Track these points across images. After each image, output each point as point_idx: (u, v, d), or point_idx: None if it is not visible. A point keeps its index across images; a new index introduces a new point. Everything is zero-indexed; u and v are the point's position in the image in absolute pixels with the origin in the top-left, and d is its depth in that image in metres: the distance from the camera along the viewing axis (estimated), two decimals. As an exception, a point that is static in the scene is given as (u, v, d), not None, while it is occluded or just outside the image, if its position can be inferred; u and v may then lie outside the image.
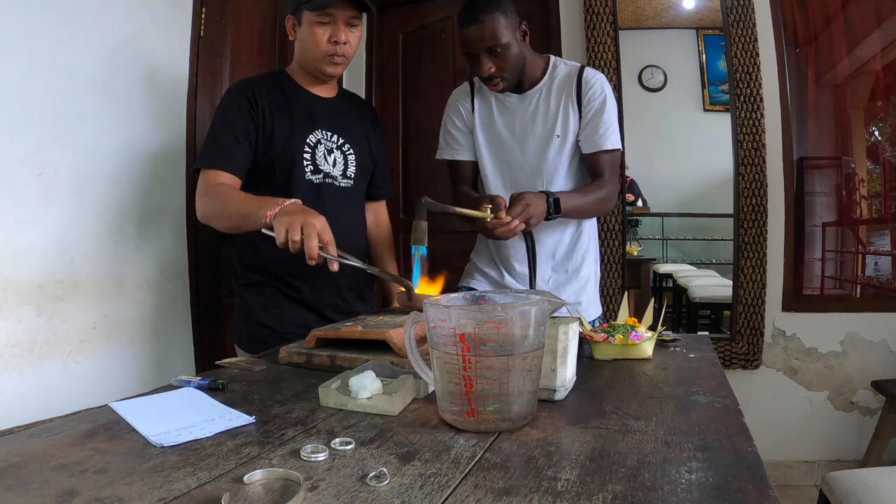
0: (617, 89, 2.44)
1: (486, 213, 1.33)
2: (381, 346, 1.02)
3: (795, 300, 2.40)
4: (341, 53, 1.42)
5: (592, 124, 1.52)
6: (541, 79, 1.56)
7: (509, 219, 1.34)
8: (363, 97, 1.55)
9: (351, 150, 1.51)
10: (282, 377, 1.00)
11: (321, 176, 1.45)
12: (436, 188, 2.74)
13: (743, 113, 2.36)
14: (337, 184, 1.48)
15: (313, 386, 0.89)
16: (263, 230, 1.19)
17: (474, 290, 1.62)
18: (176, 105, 1.80)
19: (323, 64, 1.43)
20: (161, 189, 1.75)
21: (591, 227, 1.66)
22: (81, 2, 1.48)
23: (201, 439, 0.70)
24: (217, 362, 1.12)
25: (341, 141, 1.49)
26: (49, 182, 1.41)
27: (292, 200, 1.22)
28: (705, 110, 2.93)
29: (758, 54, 2.34)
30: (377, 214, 1.70)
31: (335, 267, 1.16)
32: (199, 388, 0.92)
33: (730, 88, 2.40)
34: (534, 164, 1.57)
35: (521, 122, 1.57)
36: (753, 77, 2.34)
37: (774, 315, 2.39)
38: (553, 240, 1.60)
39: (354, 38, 1.45)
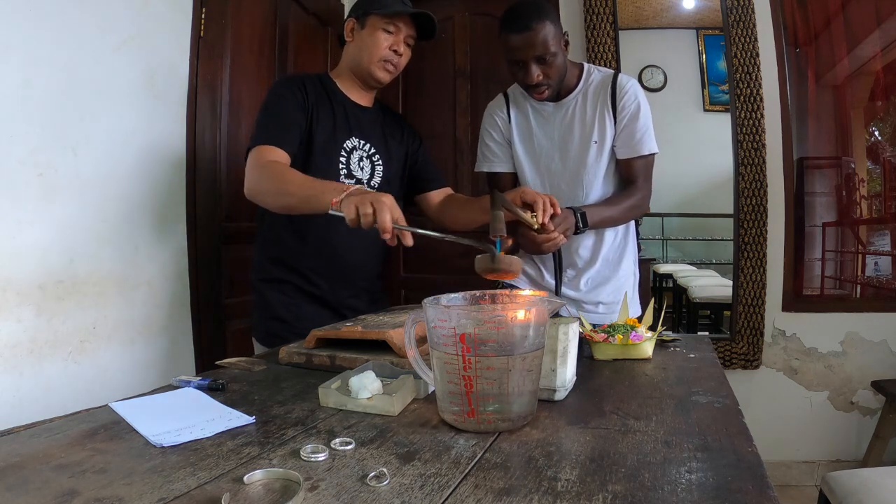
0: (617, 89, 2.43)
1: (531, 220, 1.33)
2: (381, 346, 1.03)
3: (795, 300, 2.40)
4: (395, 63, 1.47)
5: (628, 130, 1.54)
6: (576, 86, 1.57)
7: (557, 233, 1.36)
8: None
9: (380, 161, 1.53)
10: (282, 377, 1.01)
11: (354, 181, 1.47)
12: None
13: (743, 113, 2.36)
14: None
15: (313, 386, 0.89)
16: (331, 212, 1.14)
17: (516, 287, 1.63)
18: (176, 105, 1.80)
19: (377, 68, 1.46)
20: (161, 189, 1.75)
21: (628, 227, 1.67)
22: (81, 2, 1.48)
23: (201, 439, 0.70)
24: (217, 362, 1.12)
25: (372, 150, 1.52)
26: (49, 182, 1.41)
27: (356, 186, 1.22)
28: (705, 110, 2.93)
29: (758, 54, 2.34)
30: (449, 193, 1.66)
31: (409, 241, 1.12)
32: (199, 388, 0.92)
33: (730, 88, 2.40)
34: (573, 172, 1.59)
35: (559, 130, 1.59)
36: (753, 77, 2.34)
37: (774, 315, 2.39)
38: (591, 239, 1.61)
39: (406, 56, 1.50)
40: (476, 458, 0.64)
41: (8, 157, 1.32)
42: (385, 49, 1.45)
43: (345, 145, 1.47)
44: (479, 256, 1.14)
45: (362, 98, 1.55)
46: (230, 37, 2.00)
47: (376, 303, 1.59)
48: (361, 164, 1.50)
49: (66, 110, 1.45)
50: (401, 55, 1.48)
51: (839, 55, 2.48)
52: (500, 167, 1.67)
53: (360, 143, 1.50)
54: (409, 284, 2.72)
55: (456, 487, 0.56)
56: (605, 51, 2.46)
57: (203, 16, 1.87)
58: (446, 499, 0.54)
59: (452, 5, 2.71)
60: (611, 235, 1.62)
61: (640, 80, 3.03)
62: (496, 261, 1.11)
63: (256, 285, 1.52)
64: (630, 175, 1.56)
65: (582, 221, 1.44)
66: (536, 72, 1.45)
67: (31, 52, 1.37)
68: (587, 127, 1.56)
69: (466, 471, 0.60)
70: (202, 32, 1.87)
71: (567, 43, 1.52)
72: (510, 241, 1.18)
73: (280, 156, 1.35)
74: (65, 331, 1.45)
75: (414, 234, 1.12)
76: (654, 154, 1.56)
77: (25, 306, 1.36)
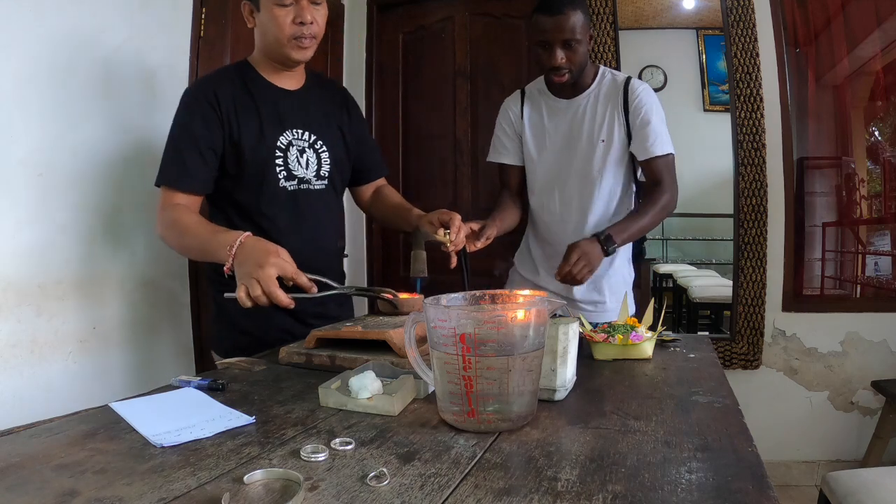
0: (617, 89, 2.44)
1: (444, 238, 1.38)
2: (381, 346, 1.02)
3: (795, 300, 2.40)
4: (309, 34, 1.31)
5: (643, 133, 1.58)
6: (590, 85, 1.63)
7: (567, 269, 1.41)
8: (338, 82, 1.50)
9: (324, 148, 1.41)
10: (282, 377, 1.01)
11: (295, 182, 1.37)
12: (436, 188, 2.75)
13: (743, 113, 2.36)
14: (312, 187, 1.40)
15: (313, 386, 0.89)
16: (226, 295, 1.10)
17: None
18: (176, 105, 1.79)
19: (290, 49, 1.31)
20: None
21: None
22: (82, 2, 1.48)
23: (201, 439, 0.70)
24: (217, 362, 1.12)
25: (313, 138, 1.40)
26: (49, 182, 1.41)
27: (241, 239, 1.12)
28: (705, 110, 2.93)
29: (758, 54, 2.34)
30: (378, 188, 1.61)
31: (315, 291, 1.12)
32: (199, 388, 0.92)
33: (730, 88, 2.40)
34: (580, 168, 1.63)
35: (569, 125, 1.64)
36: (753, 77, 2.34)
37: (774, 315, 2.39)
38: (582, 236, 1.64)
39: (321, 17, 1.32)
40: (476, 458, 0.64)
41: (8, 157, 1.32)
42: (290, 26, 1.28)
43: (279, 143, 1.34)
44: (380, 301, 1.26)
45: (289, 80, 1.39)
46: (230, 37, 2.00)
47: (342, 305, 1.54)
48: (302, 159, 1.37)
49: (66, 110, 1.45)
50: (311, 22, 1.29)
51: (839, 55, 2.48)
52: (508, 159, 1.74)
53: (296, 135, 1.37)
54: (409, 284, 2.71)
55: (456, 487, 0.56)
56: (605, 51, 2.46)
57: (203, 16, 1.87)
58: (446, 499, 0.54)
59: (452, 5, 2.71)
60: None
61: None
62: (399, 305, 1.23)
63: (216, 297, 1.39)
64: (654, 176, 1.60)
65: (607, 244, 1.45)
66: (560, 54, 1.51)
67: (31, 52, 1.37)
68: (596, 125, 1.61)
69: (466, 471, 0.60)
70: (202, 32, 1.87)
71: (591, 38, 1.57)
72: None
73: (182, 199, 1.27)
74: (65, 331, 1.45)
75: (321, 287, 1.12)
76: (671, 155, 1.60)
77: (25, 306, 1.36)
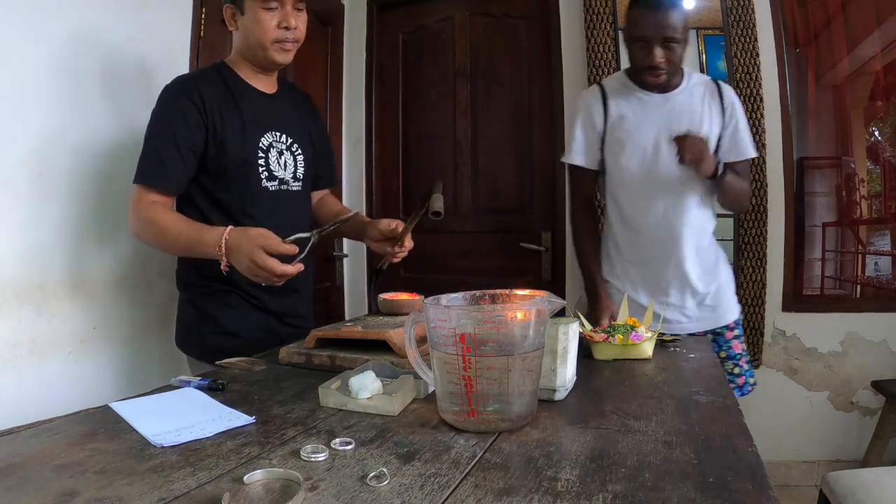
0: (617, 89, 2.44)
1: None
2: (381, 346, 1.03)
3: (795, 300, 2.39)
4: (292, 39, 1.34)
5: (737, 134, 1.58)
6: (680, 82, 1.60)
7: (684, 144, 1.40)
8: (306, 93, 1.48)
9: (299, 150, 1.45)
10: (282, 377, 1.01)
11: (276, 183, 1.39)
12: (436, 188, 2.75)
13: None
14: (290, 188, 1.42)
15: (313, 386, 0.89)
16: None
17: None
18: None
19: (273, 52, 1.33)
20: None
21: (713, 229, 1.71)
22: (82, 2, 1.48)
23: (201, 439, 0.70)
24: (217, 362, 1.12)
25: (290, 141, 1.43)
26: (49, 182, 1.41)
27: (225, 237, 1.16)
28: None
29: (758, 54, 2.33)
30: (323, 197, 1.63)
31: (296, 250, 1.17)
32: (200, 388, 0.92)
33: (730, 88, 2.40)
34: (679, 167, 1.55)
35: (666, 120, 1.57)
36: (753, 77, 2.34)
37: (774, 315, 2.39)
38: (695, 234, 1.62)
39: (302, 23, 1.36)
40: (476, 458, 0.64)
41: (8, 157, 1.32)
42: (274, 30, 1.31)
43: (261, 144, 1.36)
44: (380, 301, 1.31)
45: (266, 84, 1.42)
46: (230, 37, 1.99)
47: (316, 303, 1.60)
48: (281, 160, 1.40)
49: (66, 110, 1.45)
50: (294, 28, 1.33)
51: (839, 55, 2.48)
52: (589, 162, 1.66)
53: (276, 137, 1.39)
54: (410, 284, 2.71)
55: (456, 487, 0.56)
56: (604, 51, 2.45)
57: (203, 16, 1.87)
58: (446, 499, 0.54)
59: (452, 5, 2.71)
60: (707, 239, 1.66)
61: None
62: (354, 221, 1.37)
63: (193, 300, 1.40)
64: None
65: (718, 164, 1.47)
66: (660, 54, 1.46)
67: (31, 52, 1.37)
68: (696, 119, 1.57)
69: (466, 471, 0.60)
70: (202, 32, 1.87)
71: (687, 41, 1.53)
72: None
73: (158, 198, 1.27)
74: (65, 331, 1.45)
75: (299, 243, 1.18)
76: (756, 157, 1.64)
77: (25, 306, 1.36)
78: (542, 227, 2.55)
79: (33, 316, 1.38)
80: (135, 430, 0.74)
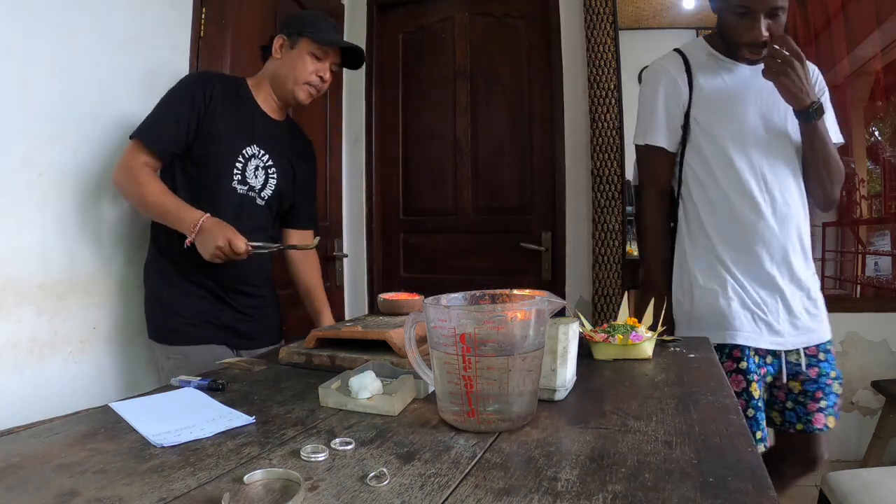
0: (617, 89, 2.44)
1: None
2: (381, 346, 1.03)
3: (795, 300, 2.39)
4: (319, 88, 1.53)
5: (827, 115, 1.37)
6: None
7: (785, 52, 1.23)
8: (296, 120, 1.66)
9: (274, 173, 1.54)
10: (282, 377, 1.01)
11: (246, 189, 1.49)
12: (436, 188, 2.75)
13: (743, 113, 2.35)
14: (255, 199, 1.52)
15: (313, 386, 0.89)
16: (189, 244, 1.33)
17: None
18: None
19: (300, 91, 1.51)
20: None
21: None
22: (81, 2, 1.48)
23: (201, 439, 0.70)
24: (217, 362, 1.12)
25: (269, 162, 1.53)
26: (49, 182, 1.41)
27: (202, 220, 1.32)
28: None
29: (758, 54, 2.33)
30: (303, 240, 1.69)
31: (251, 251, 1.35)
32: (200, 388, 0.92)
33: (730, 88, 2.39)
34: (782, 139, 1.39)
35: (762, 94, 1.38)
36: (753, 77, 2.34)
37: (774, 315, 2.38)
38: (799, 224, 1.41)
39: (328, 83, 1.55)
40: (476, 458, 0.64)
41: (8, 157, 1.32)
42: (312, 74, 1.50)
43: (244, 152, 1.48)
44: (379, 301, 1.34)
45: (274, 111, 1.57)
46: (230, 36, 2.00)
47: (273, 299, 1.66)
48: (257, 172, 1.51)
49: (66, 110, 1.45)
50: (325, 81, 1.53)
51: (839, 55, 2.48)
52: (668, 143, 1.45)
53: (258, 152, 1.51)
54: (409, 284, 2.72)
55: (456, 487, 0.56)
56: (605, 51, 2.45)
57: (203, 16, 1.87)
58: (446, 499, 0.54)
59: (452, 5, 2.71)
60: (806, 232, 1.45)
61: (640, 81, 2.99)
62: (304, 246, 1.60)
63: (155, 289, 1.51)
64: None
65: (816, 106, 1.29)
66: (765, 25, 1.29)
67: (31, 52, 1.37)
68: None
69: (466, 471, 0.60)
70: (202, 32, 1.87)
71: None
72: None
73: (147, 158, 1.39)
74: (65, 331, 1.45)
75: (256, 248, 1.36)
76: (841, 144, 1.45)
77: (25, 306, 1.36)
78: (542, 227, 2.55)
79: (33, 316, 1.38)
80: (135, 430, 0.74)
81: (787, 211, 1.39)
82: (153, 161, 1.41)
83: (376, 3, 2.79)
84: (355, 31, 2.79)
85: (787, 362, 1.44)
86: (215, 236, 1.29)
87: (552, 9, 2.51)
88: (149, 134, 1.40)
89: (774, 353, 1.43)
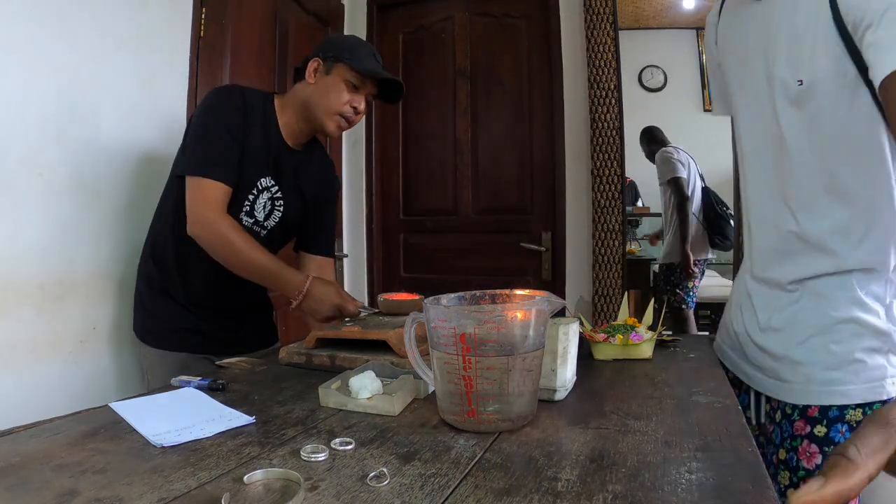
0: (617, 89, 2.44)
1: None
2: (381, 346, 1.03)
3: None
4: (351, 121, 1.41)
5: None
6: None
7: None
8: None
9: (281, 205, 1.46)
10: (282, 377, 1.01)
11: (252, 222, 1.42)
12: (436, 188, 2.75)
13: (743, 113, 2.35)
14: (260, 232, 1.45)
15: (313, 386, 0.89)
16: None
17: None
18: (176, 105, 1.80)
19: (330, 121, 1.38)
20: (161, 189, 1.74)
21: None
22: (81, 2, 1.48)
23: (201, 439, 0.70)
24: (217, 362, 1.12)
25: (278, 194, 1.45)
26: (49, 182, 1.41)
27: (307, 285, 1.28)
28: (705, 110, 2.93)
29: (758, 54, 2.33)
30: (322, 272, 1.58)
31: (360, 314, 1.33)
32: (200, 388, 0.92)
33: (730, 88, 2.39)
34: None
35: (763, 36, 0.97)
36: (753, 77, 2.34)
37: (774, 315, 2.39)
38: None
39: (361, 116, 1.43)
40: (476, 458, 0.64)
41: (8, 157, 1.32)
42: (345, 105, 1.37)
43: (258, 183, 1.40)
44: (379, 301, 1.37)
45: (295, 138, 1.45)
46: (230, 37, 2.00)
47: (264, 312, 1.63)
48: (265, 204, 1.43)
49: (66, 110, 1.45)
50: (359, 114, 1.40)
51: (839, 55, 2.47)
52: (720, 108, 1.16)
53: (270, 184, 1.42)
54: (409, 284, 2.72)
55: (456, 487, 0.57)
56: (604, 51, 2.45)
57: (203, 16, 1.87)
58: (446, 499, 0.54)
59: (452, 5, 2.71)
60: None
61: (639, 80, 3.00)
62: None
63: (141, 294, 1.49)
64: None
65: None
66: None
67: (31, 52, 1.36)
68: (796, 41, 0.90)
69: (466, 471, 0.60)
70: (202, 32, 1.87)
71: None
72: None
73: (220, 192, 1.29)
74: (65, 331, 1.45)
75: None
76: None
77: (25, 306, 1.36)
78: (542, 227, 2.55)
79: (33, 316, 1.38)
80: (135, 430, 0.74)
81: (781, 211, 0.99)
82: (224, 196, 1.30)
83: (376, 3, 2.79)
84: (355, 31, 2.79)
85: None
86: (325, 306, 1.28)
87: (552, 9, 2.51)
88: (209, 167, 1.28)
89: None
